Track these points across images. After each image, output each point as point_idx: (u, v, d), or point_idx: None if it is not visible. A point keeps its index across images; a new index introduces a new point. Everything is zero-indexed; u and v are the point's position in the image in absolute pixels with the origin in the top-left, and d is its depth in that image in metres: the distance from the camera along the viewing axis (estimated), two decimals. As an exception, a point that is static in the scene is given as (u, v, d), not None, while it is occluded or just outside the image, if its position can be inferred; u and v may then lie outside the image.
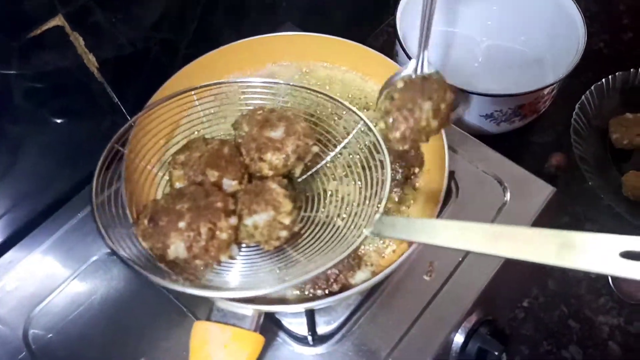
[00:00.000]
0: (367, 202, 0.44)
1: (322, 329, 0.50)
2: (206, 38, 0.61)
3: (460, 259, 0.53)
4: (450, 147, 0.51)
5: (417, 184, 0.54)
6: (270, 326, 0.50)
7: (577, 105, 0.73)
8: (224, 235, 0.40)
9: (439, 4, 0.80)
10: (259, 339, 0.43)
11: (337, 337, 0.49)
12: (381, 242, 0.51)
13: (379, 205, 0.41)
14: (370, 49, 0.58)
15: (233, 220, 0.41)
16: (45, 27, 0.46)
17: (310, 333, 0.49)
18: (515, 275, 0.62)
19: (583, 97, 0.74)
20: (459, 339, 0.52)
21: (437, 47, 0.81)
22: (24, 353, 0.51)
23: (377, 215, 0.40)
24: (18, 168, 0.54)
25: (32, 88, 0.49)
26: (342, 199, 0.49)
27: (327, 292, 0.47)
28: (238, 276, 0.43)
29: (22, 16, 0.45)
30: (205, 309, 0.45)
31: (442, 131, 0.51)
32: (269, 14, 0.69)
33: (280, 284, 0.38)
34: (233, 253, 0.42)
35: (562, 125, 0.76)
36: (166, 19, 0.56)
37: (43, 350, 0.51)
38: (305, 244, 0.44)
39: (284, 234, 0.42)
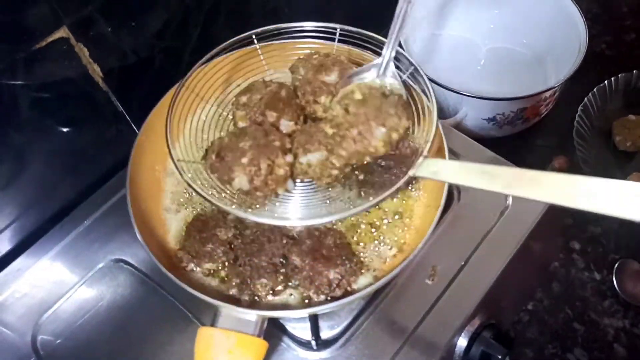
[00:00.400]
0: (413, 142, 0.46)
1: (325, 333, 0.50)
2: (210, 45, 0.61)
3: (463, 263, 0.53)
4: (451, 151, 0.52)
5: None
6: (274, 331, 0.50)
7: (579, 108, 0.73)
8: (281, 171, 0.44)
9: (442, 8, 0.81)
10: (262, 345, 0.44)
11: (340, 341, 0.50)
12: (382, 245, 0.51)
13: (423, 148, 0.42)
14: (373, 54, 0.59)
15: (289, 157, 0.45)
16: (50, 38, 0.47)
17: (314, 338, 0.49)
18: (519, 278, 0.62)
19: (585, 99, 0.74)
20: (462, 342, 0.52)
21: (439, 51, 0.82)
22: (32, 359, 0.52)
23: (421, 158, 0.41)
24: (25, 177, 0.55)
25: (38, 98, 0.50)
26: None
27: (330, 297, 0.47)
28: (296, 207, 0.46)
29: (27, 28, 0.45)
30: (210, 315, 0.46)
31: (442, 135, 0.52)
32: (272, 19, 0.70)
33: (329, 216, 0.42)
34: (289, 187, 0.45)
35: (565, 128, 0.76)
36: (169, 28, 0.57)
37: (51, 356, 0.52)
38: (354, 182, 0.47)
39: (334, 172, 0.45)
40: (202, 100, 0.52)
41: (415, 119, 0.47)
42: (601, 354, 0.63)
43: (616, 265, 0.67)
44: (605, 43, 0.88)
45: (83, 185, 0.60)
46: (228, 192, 0.45)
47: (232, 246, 0.50)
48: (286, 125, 0.47)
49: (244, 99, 0.49)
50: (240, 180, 0.43)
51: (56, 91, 0.51)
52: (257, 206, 0.45)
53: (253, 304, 0.48)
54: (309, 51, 0.54)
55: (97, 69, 0.53)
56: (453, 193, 0.57)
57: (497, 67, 0.81)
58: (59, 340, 0.53)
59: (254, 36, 0.53)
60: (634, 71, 0.75)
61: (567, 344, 0.64)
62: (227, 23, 0.63)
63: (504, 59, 0.82)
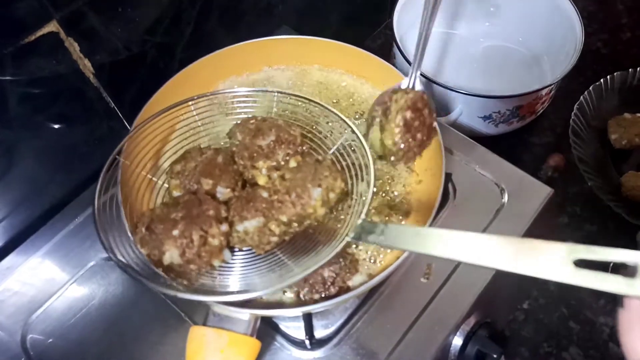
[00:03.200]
0: (352, 207, 0.45)
1: (319, 332, 0.50)
2: (202, 41, 0.61)
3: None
4: (447, 149, 0.51)
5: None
6: (267, 330, 0.50)
7: (575, 106, 0.73)
8: (215, 242, 0.42)
9: (438, 6, 0.81)
10: (255, 344, 0.43)
11: (335, 340, 0.49)
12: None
13: (362, 210, 0.41)
14: (366, 52, 0.58)
15: (224, 227, 0.43)
16: (39, 32, 0.46)
17: (307, 337, 0.49)
18: (515, 276, 0.61)
19: (581, 97, 0.74)
20: (457, 341, 0.51)
21: (435, 48, 0.81)
22: (22, 359, 0.51)
23: (359, 221, 0.40)
24: (14, 174, 0.54)
25: (27, 94, 0.49)
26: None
27: (324, 295, 0.47)
28: (235, 280, 0.44)
29: (15, 22, 0.45)
30: (202, 314, 0.45)
31: (439, 133, 0.51)
32: (265, 17, 0.69)
33: (268, 287, 0.40)
34: (226, 257, 0.44)
35: (561, 126, 0.76)
36: (162, 23, 0.56)
37: (42, 356, 0.51)
38: (293, 249, 0.45)
39: (274, 239, 0.44)
40: (136, 168, 0.49)
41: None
42: (597, 353, 0.63)
43: (611, 265, 0.66)
44: (602, 41, 0.88)
45: (74, 182, 0.59)
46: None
47: (225, 244, 0.49)
48: (222, 192, 0.46)
49: (178, 167, 0.47)
50: (172, 254, 0.41)
51: (46, 87, 0.50)
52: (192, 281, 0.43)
53: (246, 302, 0.47)
54: (245, 115, 0.53)
55: (88, 64, 0.52)
56: (448, 191, 0.57)
57: (494, 65, 0.81)
58: (49, 340, 0.52)
59: (191, 103, 0.52)
60: (630, 69, 0.75)
61: (562, 342, 0.64)
62: (220, 20, 0.63)
63: (500, 57, 0.81)
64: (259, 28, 0.67)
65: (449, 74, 0.76)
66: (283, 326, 0.50)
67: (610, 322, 0.64)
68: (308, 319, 0.49)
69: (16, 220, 0.57)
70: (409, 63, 0.69)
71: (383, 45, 0.90)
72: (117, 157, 0.47)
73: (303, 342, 0.49)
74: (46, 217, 0.58)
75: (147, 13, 0.54)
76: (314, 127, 0.54)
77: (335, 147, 0.50)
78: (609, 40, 0.88)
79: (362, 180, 0.46)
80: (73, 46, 0.49)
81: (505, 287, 0.60)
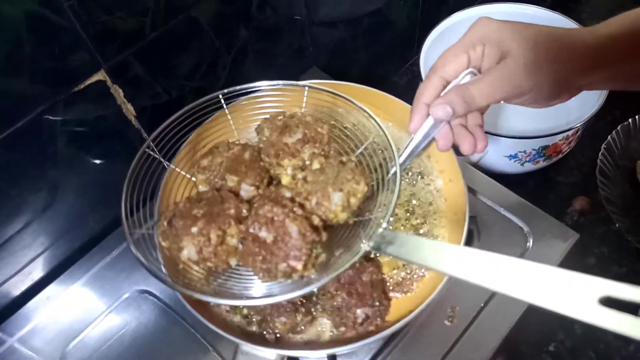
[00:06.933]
0: (374, 215, 0.43)
1: (343, 372, 0.51)
2: (237, 84, 0.64)
3: (483, 304, 0.53)
4: (471, 190, 0.52)
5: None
6: (292, 368, 0.51)
7: (603, 146, 0.73)
8: (233, 241, 0.42)
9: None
10: (281, 384, 0.44)
11: (358, 381, 0.50)
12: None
13: (382, 219, 0.40)
14: (390, 95, 0.60)
15: (244, 227, 0.42)
16: (88, 81, 0.49)
17: (331, 377, 0.50)
18: (540, 319, 0.61)
19: (609, 137, 0.74)
20: (481, 386, 0.51)
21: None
22: (58, 384, 0.53)
23: (380, 229, 0.39)
24: (57, 208, 0.57)
25: (74, 135, 0.53)
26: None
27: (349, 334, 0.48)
28: (253, 285, 0.44)
29: (68, 72, 0.48)
30: (230, 349, 0.47)
31: (461, 175, 0.52)
32: (297, 59, 0.72)
33: (286, 293, 0.39)
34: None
35: (588, 165, 0.76)
36: (199, 69, 0.59)
37: (75, 381, 0.54)
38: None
39: None
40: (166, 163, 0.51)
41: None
42: (626, 401, 0.61)
43: (641, 308, 0.65)
44: (630, 80, 0.87)
45: (111, 217, 0.62)
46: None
47: (254, 283, 0.51)
48: (247, 189, 0.46)
49: (205, 162, 0.48)
50: (189, 251, 0.41)
51: (91, 129, 0.54)
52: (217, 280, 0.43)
53: (272, 342, 0.48)
54: (275, 110, 0.52)
55: (131, 108, 0.55)
56: (473, 233, 0.57)
57: (519, 103, 0.81)
58: (82, 366, 0.54)
59: (220, 96, 0.52)
60: (659, 109, 0.75)
61: (590, 388, 0.63)
62: (254, 63, 0.66)
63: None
64: (291, 69, 0.70)
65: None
66: (307, 364, 0.52)
67: (640, 369, 0.63)
68: (332, 359, 0.50)
69: (57, 252, 0.60)
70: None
71: (410, 81, 0.92)
72: (146, 150, 0.48)
73: (327, 382, 0.50)
74: (85, 250, 0.61)
75: (186, 61, 0.57)
76: (342, 125, 0.53)
77: (362, 148, 0.49)
78: (638, 78, 0.87)
79: (387, 188, 0.44)
80: (118, 92, 0.53)
81: (531, 329, 0.59)
